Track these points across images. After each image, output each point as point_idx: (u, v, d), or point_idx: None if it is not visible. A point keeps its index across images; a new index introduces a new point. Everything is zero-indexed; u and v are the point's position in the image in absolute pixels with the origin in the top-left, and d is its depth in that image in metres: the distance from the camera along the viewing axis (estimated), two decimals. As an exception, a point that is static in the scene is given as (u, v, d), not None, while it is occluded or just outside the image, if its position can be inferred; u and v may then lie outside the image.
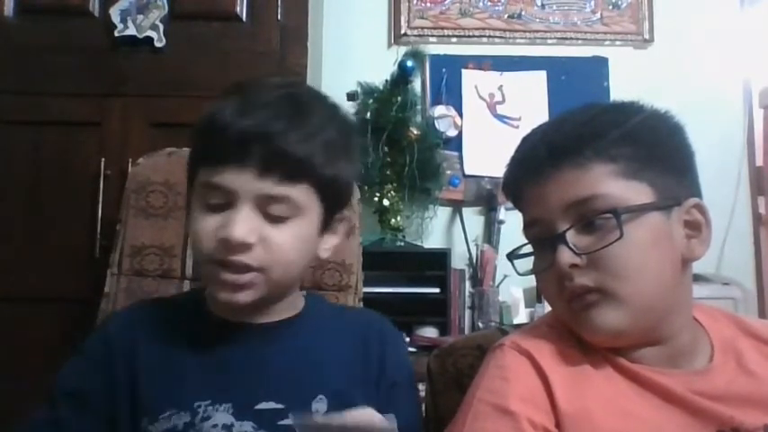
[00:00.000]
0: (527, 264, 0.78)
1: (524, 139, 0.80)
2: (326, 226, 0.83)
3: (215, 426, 0.76)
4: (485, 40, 2.29)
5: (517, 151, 0.80)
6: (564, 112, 0.79)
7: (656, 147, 0.74)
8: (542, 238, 0.75)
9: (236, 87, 0.82)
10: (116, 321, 0.88)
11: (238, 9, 1.72)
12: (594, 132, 0.72)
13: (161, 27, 1.69)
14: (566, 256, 0.70)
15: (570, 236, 0.71)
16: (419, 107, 2.19)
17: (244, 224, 0.74)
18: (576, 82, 2.24)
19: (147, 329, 0.84)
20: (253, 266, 0.76)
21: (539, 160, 0.74)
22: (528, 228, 0.78)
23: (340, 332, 0.84)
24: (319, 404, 0.80)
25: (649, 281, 0.71)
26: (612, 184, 0.71)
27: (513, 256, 0.79)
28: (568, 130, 0.74)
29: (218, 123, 0.76)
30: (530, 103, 2.22)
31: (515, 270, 0.79)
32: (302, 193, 0.78)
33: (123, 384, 0.79)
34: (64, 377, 0.82)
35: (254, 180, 0.75)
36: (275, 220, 0.77)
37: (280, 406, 0.79)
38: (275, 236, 0.76)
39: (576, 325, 0.74)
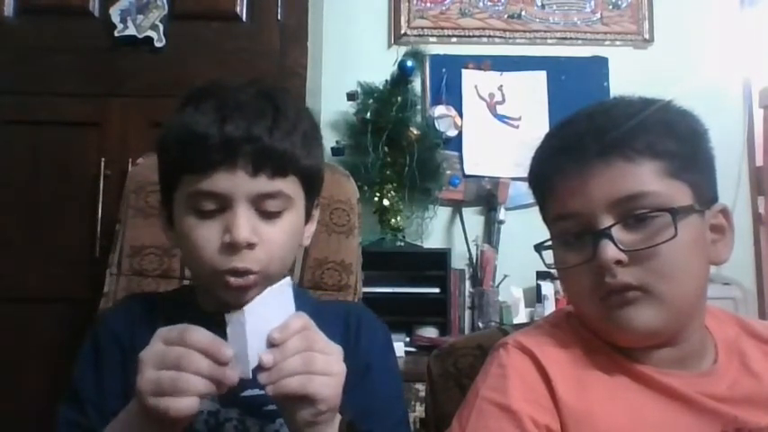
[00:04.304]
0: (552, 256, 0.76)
1: (563, 129, 0.77)
2: (308, 214, 0.86)
3: (201, 412, 0.77)
4: (485, 40, 2.29)
5: (554, 139, 0.77)
6: (601, 103, 0.78)
7: (694, 147, 0.74)
8: (579, 233, 0.72)
9: (201, 92, 0.81)
10: (116, 316, 0.89)
11: (238, 9, 1.72)
12: (644, 126, 0.71)
13: (161, 27, 1.69)
14: (611, 251, 0.68)
15: (615, 231, 0.69)
16: (419, 107, 2.19)
17: (246, 225, 0.75)
18: (575, 82, 2.23)
19: (143, 323, 0.84)
20: (254, 270, 0.77)
21: (586, 150, 0.71)
22: (560, 221, 0.75)
23: (321, 324, 0.85)
24: None
25: (689, 282, 0.71)
26: (659, 183, 0.70)
27: (541, 247, 0.77)
28: (618, 122, 0.71)
29: (200, 131, 0.76)
30: (530, 103, 2.21)
31: (543, 261, 0.77)
32: (291, 186, 0.79)
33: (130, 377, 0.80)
34: (84, 380, 0.82)
35: (247, 180, 0.75)
36: (270, 216, 0.78)
37: (264, 392, 0.80)
38: (271, 232, 0.78)
39: (607, 322, 0.72)
